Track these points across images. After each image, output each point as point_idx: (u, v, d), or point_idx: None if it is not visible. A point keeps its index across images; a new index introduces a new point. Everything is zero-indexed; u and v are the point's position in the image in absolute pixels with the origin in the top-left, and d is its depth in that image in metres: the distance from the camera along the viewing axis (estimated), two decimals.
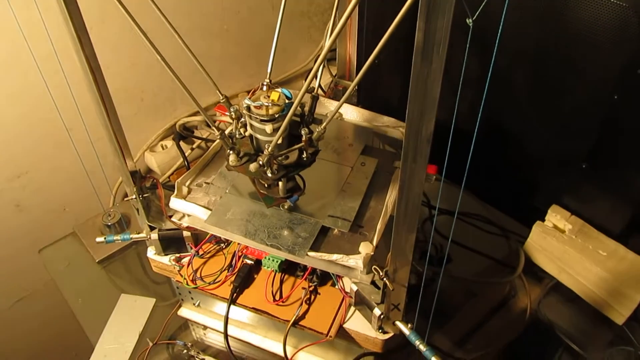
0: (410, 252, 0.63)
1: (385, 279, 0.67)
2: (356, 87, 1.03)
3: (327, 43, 0.56)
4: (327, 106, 0.96)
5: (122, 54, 1.05)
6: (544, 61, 0.86)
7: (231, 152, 0.70)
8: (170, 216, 0.84)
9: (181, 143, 1.18)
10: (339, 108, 0.69)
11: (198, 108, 0.66)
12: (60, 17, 0.62)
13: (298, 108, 0.72)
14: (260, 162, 0.67)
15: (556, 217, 0.96)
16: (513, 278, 0.98)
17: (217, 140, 0.93)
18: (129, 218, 1.10)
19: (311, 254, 0.72)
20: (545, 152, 0.96)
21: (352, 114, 0.94)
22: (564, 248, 0.92)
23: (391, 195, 0.79)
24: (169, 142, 1.20)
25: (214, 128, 0.67)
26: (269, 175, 0.70)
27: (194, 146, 1.19)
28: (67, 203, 1.16)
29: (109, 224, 1.07)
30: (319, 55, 0.74)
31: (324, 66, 0.75)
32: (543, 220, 0.98)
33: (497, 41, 0.50)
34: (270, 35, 0.74)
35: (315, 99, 0.75)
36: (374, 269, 0.68)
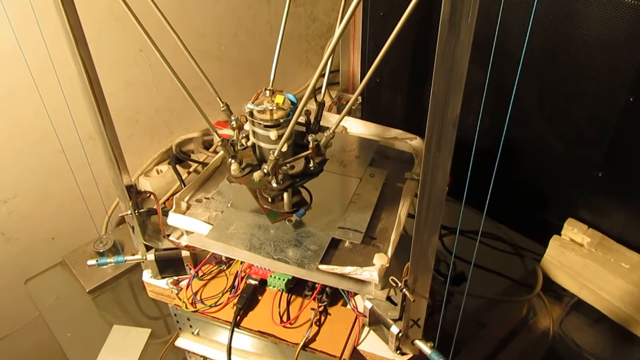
0: (432, 258, 0.58)
1: (404, 289, 0.61)
2: (360, 102, 1.00)
3: (330, 51, 0.53)
4: (331, 120, 0.92)
5: (117, 73, 1.02)
6: (553, 66, 0.84)
7: (233, 160, 0.65)
8: (168, 235, 0.78)
9: (178, 167, 1.13)
10: (346, 112, 0.65)
11: (199, 111, 0.63)
12: (59, 27, 0.59)
13: (303, 116, 0.69)
14: (265, 170, 0.63)
15: (573, 230, 0.92)
16: (532, 296, 0.93)
17: (217, 156, 0.89)
18: (122, 245, 1.04)
19: (322, 267, 0.67)
20: (557, 162, 0.92)
21: (358, 127, 0.90)
22: (584, 262, 0.88)
23: (404, 206, 0.75)
24: (164, 167, 1.15)
25: (214, 134, 0.63)
26: (274, 185, 0.65)
27: (191, 170, 1.15)
28: (56, 232, 1.09)
29: (101, 250, 1.01)
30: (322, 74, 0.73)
31: (329, 71, 0.71)
32: (558, 235, 0.94)
33: (524, 46, 0.47)
34: (269, 57, 0.72)
35: (321, 105, 0.72)
36: (392, 280, 0.63)
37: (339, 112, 0.97)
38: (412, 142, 0.86)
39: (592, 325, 0.90)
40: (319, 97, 0.73)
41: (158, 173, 1.14)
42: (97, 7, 0.93)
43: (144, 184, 1.12)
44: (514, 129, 0.94)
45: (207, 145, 1.20)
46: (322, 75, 0.61)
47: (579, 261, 0.88)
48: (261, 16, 1.18)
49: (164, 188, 1.13)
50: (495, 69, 0.86)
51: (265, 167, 0.62)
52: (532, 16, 0.76)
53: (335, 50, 0.72)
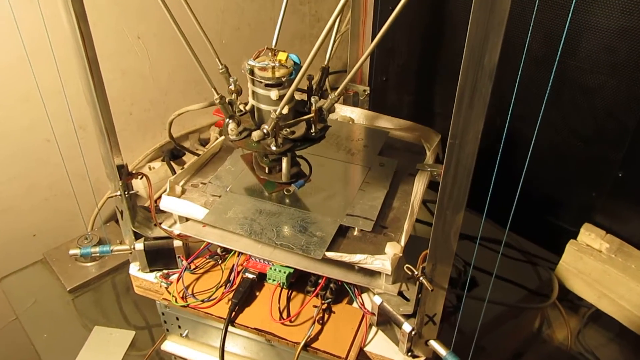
0: (455, 240, 0.52)
1: (422, 278, 0.55)
2: (368, 93, 0.96)
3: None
4: (337, 111, 0.88)
5: (113, 60, 0.97)
6: (570, 57, 0.80)
7: (230, 121, 0.61)
8: (160, 223, 0.72)
9: (172, 164, 1.08)
10: (351, 76, 0.61)
11: (200, 69, 0.58)
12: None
13: (305, 80, 0.65)
14: (265, 130, 0.58)
15: (590, 236, 0.86)
16: (547, 305, 0.86)
17: (216, 142, 0.83)
18: (109, 243, 0.97)
19: (329, 254, 0.61)
20: (573, 162, 0.87)
21: (366, 118, 0.86)
22: (604, 268, 0.82)
23: (417, 195, 0.69)
24: (157, 164, 1.09)
25: (213, 91, 0.59)
26: (273, 148, 0.60)
27: (186, 166, 1.08)
28: (38, 228, 1.02)
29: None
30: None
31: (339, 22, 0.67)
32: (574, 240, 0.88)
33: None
34: None
35: (325, 71, 0.67)
36: (407, 268, 0.57)
37: (346, 104, 0.92)
38: (423, 134, 0.81)
39: (612, 337, 0.84)
40: (325, 62, 0.69)
41: (150, 169, 1.08)
42: None
43: (135, 181, 1.06)
44: (526, 126, 0.89)
45: (204, 142, 1.14)
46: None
47: (598, 267, 0.83)
48: (265, 11, 1.15)
49: (156, 185, 1.06)
50: (509, 62, 0.82)
51: (265, 127, 0.58)
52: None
53: (334, 47, 0.70)
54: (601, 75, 0.78)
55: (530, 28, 0.75)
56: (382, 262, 0.60)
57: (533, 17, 0.74)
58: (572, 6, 0.66)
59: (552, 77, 0.54)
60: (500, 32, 0.39)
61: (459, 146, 0.45)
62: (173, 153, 1.08)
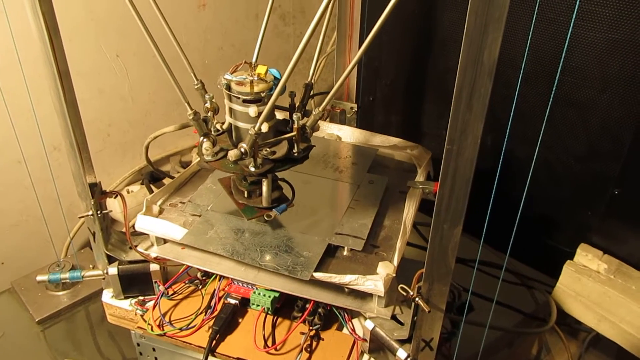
0: (452, 257, 0.48)
1: (418, 299, 0.51)
2: (355, 110, 0.93)
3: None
4: (324, 129, 0.85)
5: (90, 79, 0.93)
6: (562, 73, 0.78)
7: (205, 139, 0.56)
8: (136, 246, 0.67)
9: (152, 187, 1.03)
10: (336, 90, 0.58)
11: (176, 87, 0.55)
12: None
13: (287, 97, 0.62)
14: (243, 149, 0.54)
15: (587, 256, 0.83)
16: (545, 330, 0.82)
17: (196, 160, 0.79)
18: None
19: (317, 275, 0.57)
20: (567, 180, 0.85)
21: (354, 135, 0.83)
22: (603, 289, 0.79)
23: (409, 213, 0.66)
24: (135, 187, 1.05)
25: (187, 105, 0.55)
26: (252, 169, 0.56)
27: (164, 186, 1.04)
28: (7, 256, 0.96)
29: None
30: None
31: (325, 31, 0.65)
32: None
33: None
34: None
35: (309, 87, 0.64)
36: (402, 288, 0.53)
37: (332, 121, 0.89)
38: (413, 152, 0.78)
39: None
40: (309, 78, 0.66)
41: (128, 193, 1.03)
42: (71, 3, 0.86)
43: (112, 204, 1.00)
44: (515, 144, 0.87)
45: (185, 164, 1.10)
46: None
47: (597, 289, 0.79)
48: (248, 31, 1.13)
49: (134, 210, 1.01)
50: (501, 80, 0.80)
51: (243, 146, 0.54)
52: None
53: (318, 64, 0.68)
54: (593, 90, 0.76)
55: (528, 45, 0.73)
56: (374, 283, 0.56)
57: (530, 33, 0.72)
58: (572, 22, 0.64)
59: (552, 94, 0.52)
60: (500, 24, 0.37)
61: (457, 152, 0.42)
62: (153, 176, 1.04)
